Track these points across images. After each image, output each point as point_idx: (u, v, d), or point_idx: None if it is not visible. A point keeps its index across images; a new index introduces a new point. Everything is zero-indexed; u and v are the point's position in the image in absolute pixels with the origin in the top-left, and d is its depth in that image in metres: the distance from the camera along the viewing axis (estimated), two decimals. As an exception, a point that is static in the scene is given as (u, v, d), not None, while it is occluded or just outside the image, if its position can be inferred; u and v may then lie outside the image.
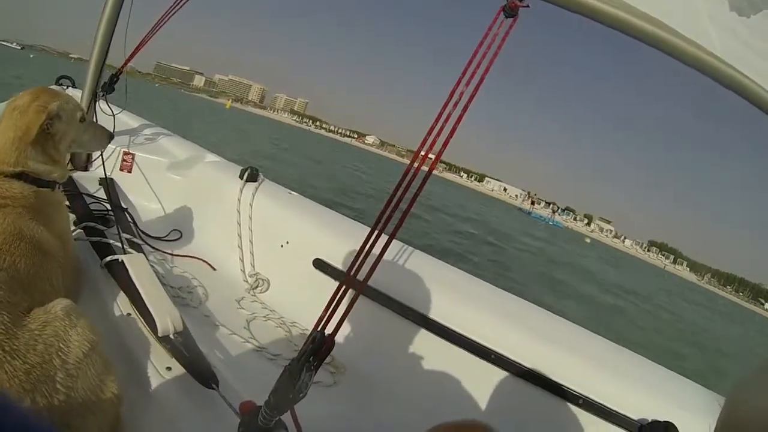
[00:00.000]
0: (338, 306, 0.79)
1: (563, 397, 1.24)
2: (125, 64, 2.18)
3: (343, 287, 0.79)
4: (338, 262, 1.59)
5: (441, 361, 1.38)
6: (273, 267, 1.74)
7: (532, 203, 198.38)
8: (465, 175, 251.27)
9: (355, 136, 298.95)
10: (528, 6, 1.09)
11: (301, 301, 1.59)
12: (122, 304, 1.19)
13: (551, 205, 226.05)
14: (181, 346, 1.05)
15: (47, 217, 1.02)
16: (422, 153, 0.84)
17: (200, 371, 1.01)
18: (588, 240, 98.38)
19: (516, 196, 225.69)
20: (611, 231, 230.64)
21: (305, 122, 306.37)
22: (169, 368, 1.03)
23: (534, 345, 1.32)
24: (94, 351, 0.79)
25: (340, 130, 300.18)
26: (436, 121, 0.84)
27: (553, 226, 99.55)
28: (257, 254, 1.76)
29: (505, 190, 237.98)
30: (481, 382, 1.33)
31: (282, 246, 1.74)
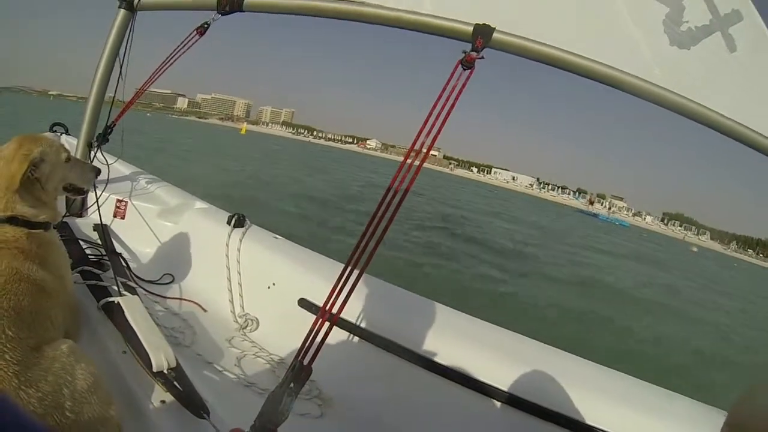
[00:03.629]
0: (316, 338, 0.89)
1: (557, 423, 1.24)
2: (120, 115, 2.29)
3: (320, 321, 0.90)
4: (321, 301, 1.67)
5: (425, 392, 1.43)
6: (261, 307, 1.81)
7: (591, 203, 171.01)
8: (475, 170, 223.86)
9: (355, 141, 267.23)
10: (483, 57, 1.24)
11: (288, 339, 1.65)
12: (119, 343, 1.26)
13: (604, 201, 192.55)
14: (174, 380, 1.13)
15: (42, 257, 1.08)
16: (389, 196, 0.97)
17: (192, 402, 1.08)
18: (694, 249, 69.63)
19: (531, 185, 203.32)
20: (629, 209, 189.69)
21: (302, 133, 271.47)
22: (163, 401, 1.10)
23: (519, 373, 1.33)
24: (97, 384, 0.88)
25: (339, 138, 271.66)
26: (399, 170, 0.97)
27: (620, 226, 75.85)
28: (246, 295, 1.84)
29: (513, 179, 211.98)
30: (466, 411, 1.37)
31: (269, 287, 1.82)
